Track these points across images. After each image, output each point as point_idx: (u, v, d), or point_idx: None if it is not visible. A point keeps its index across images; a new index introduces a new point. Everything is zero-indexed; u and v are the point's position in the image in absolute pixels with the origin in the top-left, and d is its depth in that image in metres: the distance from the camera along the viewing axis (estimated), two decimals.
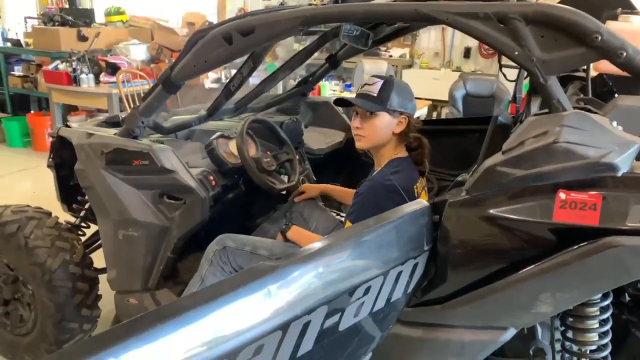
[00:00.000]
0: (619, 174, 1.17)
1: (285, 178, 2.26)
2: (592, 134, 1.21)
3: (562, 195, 1.18)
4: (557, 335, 1.47)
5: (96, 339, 0.86)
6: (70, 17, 6.15)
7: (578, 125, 1.22)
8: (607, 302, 1.37)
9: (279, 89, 4.26)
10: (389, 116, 1.69)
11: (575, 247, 1.18)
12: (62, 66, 5.20)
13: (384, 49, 7.27)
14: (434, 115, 6.71)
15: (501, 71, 2.48)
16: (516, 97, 2.74)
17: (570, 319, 1.40)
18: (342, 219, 2.19)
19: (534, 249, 1.24)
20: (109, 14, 6.76)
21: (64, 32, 5.79)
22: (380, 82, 1.69)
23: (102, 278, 2.23)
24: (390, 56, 7.23)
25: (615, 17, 1.87)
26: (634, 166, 1.19)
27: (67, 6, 7.71)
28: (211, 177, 1.99)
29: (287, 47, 5.36)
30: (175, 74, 1.82)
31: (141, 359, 0.83)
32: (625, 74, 1.24)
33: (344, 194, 2.20)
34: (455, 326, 1.40)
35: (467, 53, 6.97)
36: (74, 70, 5.06)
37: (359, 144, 1.76)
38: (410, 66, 7.26)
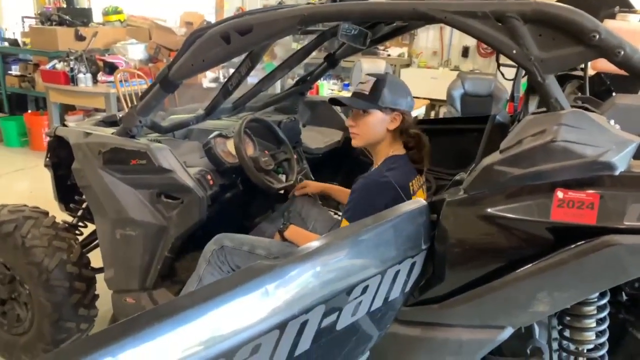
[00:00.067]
0: (617, 172, 1.17)
1: (283, 177, 2.26)
2: (589, 132, 1.21)
3: (559, 194, 1.18)
4: (555, 334, 1.47)
5: (93, 338, 0.86)
6: (67, 17, 6.13)
7: (576, 124, 1.22)
8: (605, 301, 1.37)
9: (277, 88, 4.26)
10: (382, 113, 1.70)
11: (573, 246, 1.18)
12: (59, 66, 5.18)
13: (382, 48, 7.27)
14: (432, 114, 6.71)
15: (499, 70, 2.48)
16: (514, 96, 2.74)
17: (568, 318, 1.40)
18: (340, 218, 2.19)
19: (531, 248, 1.24)
20: (107, 13, 6.75)
21: (61, 31, 5.78)
22: (372, 80, 1.71)
23: (100, 277, 2.23)
24: (389, 55, 7.23)
25: (613, 16, 1.88)
26: (632, 165, 1.19)
27: (64, 5, 7.68)
28: (209, 177, 1.99)
29: (285, 46, 5.35)
30: (173, 73, 1.81)
31: (138, 358, 0.83)
32: (623, 72, 1.24)
33: (343, 194, 2.20)
34: (453, 325, 1.40)
35: (465, 52, 6.97)
36: (72, 69, 5.05)
37: (354, 142, 1.79)
38: (408, 65, 7.27)
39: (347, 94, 5.10)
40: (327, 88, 5.40)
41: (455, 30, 1.39)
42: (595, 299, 1.36)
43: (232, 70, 2.22)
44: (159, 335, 0.85)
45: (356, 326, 1.24)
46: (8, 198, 2.73)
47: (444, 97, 5.23)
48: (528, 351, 1.51)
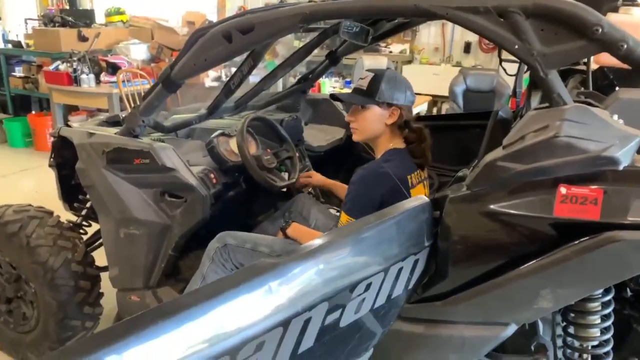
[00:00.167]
0: (620, 167, 1.16)
1: (286, 175, 2.26)
2: (592, 127, 1.21)
3: (562, 189, 1.18)
4: (559, 330, 1.47)
5: (98, 336, 0.86)
6: (70, 18, 6.15)
7: (579, 119, 1.21)
8: (609, 297, 1.37)
9: (279, 86, 4.26)
10: (380, 108, 1.72)
11: (577, 242, 1.17)
12: (62, 67, 5.20)
13: (384, 44, 7.26)
14: (434, 110, 6.70)
15: (501, 65, 2.47)
16: (516, 91, 2.73)
17: (572, 315, 1.39)
18: None
19: (534, 245, 1.23)
20: (109, 14, 6.77)
21: (64, 32, 5.80)
22: (371, 76, 1.73)
23: (104, 276, 2.24)
24: (390, 52, 7.22)
25: (616, 9, 1.86)
26: (635, 160, 1.19)
27: (67, 7, 7.72)
28: (212, 175, 1.99)
29: (287, 44, 5.34)
30: (175, 72, 1.82)
31: (143, 356, 0.83)
32: (626, 66, 1.23)
33: (345, 191, 2.21)
34: (456, 322, 1.39)
35: (467, 48, 6.96)
36: (75, 70, 5.06)
37: (354, 137, 1.83)
38: (410, 62, 7.25)
39: (348, 91, 5.09)
40: (329, 86, 5.39)
41: (457, 26, 1.38)
42: (600, 295, 1.35)
43: (234, 69, 2.22)
44: (164, 333, 0.86)
45: (359, 323, 1.24)
46: (13, 198, 2.74)
47: (446, 93, 5.23)
48: (532, 348, 1.50)
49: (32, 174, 4.98)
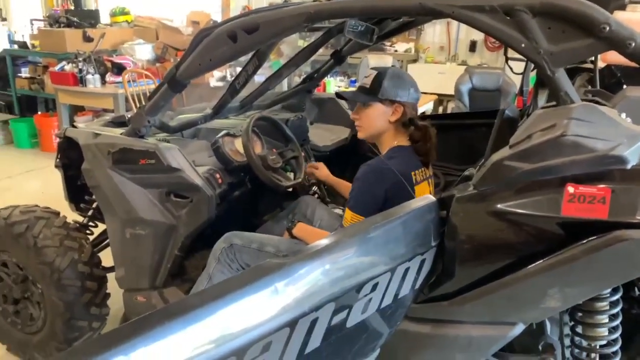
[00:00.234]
0: (628, 166, 1.15)
1: (291, 175, 2.26)
2: (600, 126, 1.20)
3: (570, 188, 1.17)
4: (566, 330, 1.46)
5: (105, 337, 0.86)
6: (75, 19, 6.17)
7: (586, 117, 1.20)
8: (617, 296, 1.36)
9: (284, 86, 4.26)
10: (382, 105, 1.73)
11: (584, 241, 1.17)
12: (68, 67, 5.22)
13: (388, 43, 7.24)
14: (440, 109, 6.68)
15: (507, 64, 2.46)
16: (523, 90, 2.72)
17: (580, 314, 1.38)
18: None
19: (542, 244, 1.23)
20: (114, 14, 6.79)
21: (69, 33, 5.82)
22: (374, 74, 1.74)
23: (111, 277, 2.24)
24: (396, 51, 7.21)
25: (623, 7, 1.85)
26: None
27: (72, 7, 7.75)
28: (217, 175, 2.00)
29: (292, 43, 5.34)
30: (180, 72, 1.82)
31: (150, 357, 0.83)
32: (633, 64, 1.22)
33: (349, 189, 2.21)
34: (463, 322, 1.39)
35: (472, 46, 6.93)
36: (80, 71, 5.08)
37: (359, 134, 1.85)
38: (415, 60, 7.23)
39: (354, 90, 5.08)
40: (334, 85, 5.39)
41: (463, 24, 1.38)
42: (608, 295, 1.34)
43: (239, 69, 2.22)
44: (170, 334, 0.86)
45: (366, 323, 1.23)
46: (19, 199, 2.75)
47: (451, 92, 5.21)
48: (540, 347, 1.50)
49: (38, 174, 5.00)
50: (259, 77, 2.73)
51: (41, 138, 5.75)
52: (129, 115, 2.27)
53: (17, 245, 2.15)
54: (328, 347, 1.14)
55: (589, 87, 1.93)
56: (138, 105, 4.59)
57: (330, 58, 2.66)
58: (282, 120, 2.37)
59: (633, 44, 1.17)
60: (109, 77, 5.23)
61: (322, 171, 2.32)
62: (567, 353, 1.47)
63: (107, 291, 2.29)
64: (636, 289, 1.50)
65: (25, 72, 6.32)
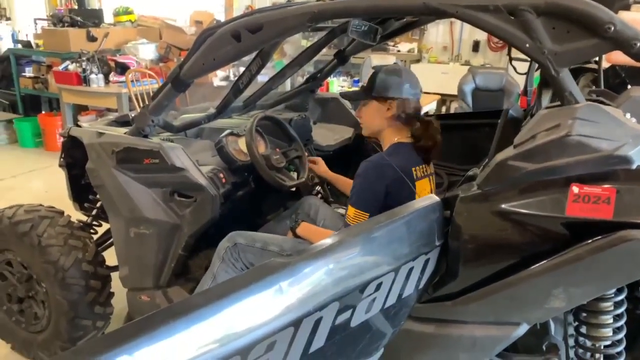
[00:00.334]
0: (633, 166, 1.15)
1: (295, 175, 2.26)
2: (605, 126, 1.20)
3: (575, 189, 1.17)
4: (571, 330, 1.46)
5: (109, 336, 0.87)
6: (79, 18, 6.18)
7: (591, 117, 1.20)
8: (622, 297, 1.35)
9: (287, 86, 4.26)
10: (377, 103, 1.77)
11: (589, 241, 1.16)
12: (72, 67, 5.24)
13: (392, 43, 7.24)
14: (443, 109, 6.67)
15: (511, 64, 2.46)
16: (527, 90, 2.71)
17: (584, 314, 1.38)
18: None
19: (546, 244, 1.22)
20: (118, 14, 6.80)
21: (73, 32, 5.83)
22: (371, 72, 1.79)
23: (115, 276, 2.25)
24: (399, 51, 7.20)
25: (628, 7, 1.85)
26: None
27: (76, 7, 7.78)
28: (221, 175, 2.00)
29: (295, 43, 5.34)
30: (184, 72, 1.82)
31: (154, 357, 0.83)
32: (638, 64, 1.22)
33: (349, 185, 2.21)
34: (467, 322, 1.39)
35: (475, 46, 6.92)
36: (84, 70, 5.09)
37: (362, 131, 1.91)
38: (418, 61, 7.23)
39: (355, 89, 5.08)
40: (337, 85, 5.39)
41: (466, 24, 1.38)
42: (612, 295, 1.34)
43: (242, 69, 2.22)
44: (175, 334, 0.86)
45: (370, 323, 1.23)
46: (24, 198, 2.76)
47: (454, 92, 5.20)
48: (544, 347, 1.49)
49: (42, 174, 5.02)
50: (262, 77, 2.74)
51: (45, 137, 5.77)
52: (133, 115, 2.28)
53: (21, 244, 2.16)
54: (332, 346, 1.14)
55: (593, 87, 1.93)
56: (141, 104, 4.60)
57: (333, 58, 2.66)
58: (286, 120, 2.37)
59: (638, 44, 1.16)
60: (112, 77, 5.24)
61: (320, 167, 2.33)
62: (571, 353, 1.47)
63: (111, 290, 2.30)
64: None
65: (29, 72, 6.34)
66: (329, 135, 2.73)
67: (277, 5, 1.70)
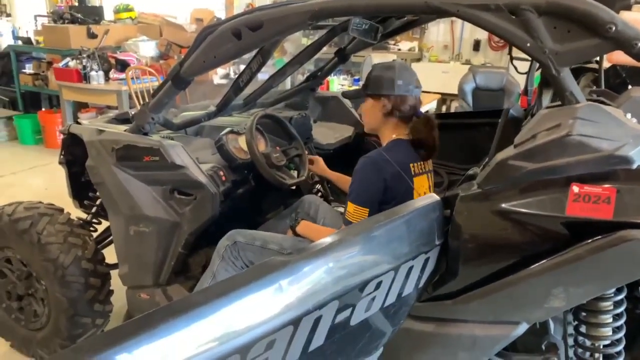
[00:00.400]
0: (634, 166, 1.15)
1: (295, 173, 2.26)
2: (605, 126, 1.20)
3: (575, 188, 1.17)
4: (570, 329, 1.46)
5: (109, 334, 0.86)
6: (79, 15, 6.18)
7: (591, 117, 1.20)
8: (621, 296, 1.35)
9: (288, 84, 4.25)
10: (371, 100, 1.79)
11: (589, 241, 1.16)
12: (72, 63, 5.24)
13: (392, 42, 7.23)
14: (444, 108, 6.67)
15: (512, 63, 2.46)
16: (527, 89, 2.71)
17: (584, 314, 1.38)
18: None
19: (546, 244, 1.22)
20: (118, 11, 6.79)
21: (73, 29, 5.83)
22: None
23: (114, 273, 2.25)
24: (399, 50, 7.20)
25: (629, 7, 1.84)
26: None
27: (76, 4, 7.74)
28: (221, 173, 2.00)
29: (296, 41, 5.34)
30: (184, 70, 1.82)
31: (153, 355, 0.83)
32: (639, 64, 1.22)
33: (348, 184, 2.21)
34: (467, 321, 1.39)
35: (476, 46, 6.92)
36: (84, 67, 5.09)
37: (365, 128, 1.93)
38: (419, 59, 7.23)
39: (357, 88, 5.08)
40: (337, 83, 5.38)
41: (467, 23, 1.37)
42: (612, 295, 1.34)
43: (242, 67, 2.22)
44: (174, 332, 0.86)
45: (370, 322, 1.23)
46: (23, 195, 2.77)
47: (455, 91, 5.19)
48: (543, 347, 1.49)
49: (42, 171, 5.02)
50: (263, 75, 2.74)
51: (45, 134, 5.76)
52: (133, 112, 2.28)
53: (21, 241, 2.16)
54: (332, 345, 1.14)
55: (594, 87, 1.93)
56: (142, 102, 4.60)
57: (334, 56, 2.66)
58: (286, 118, 2.37)
59: (639, 44, 1.16)
60: (112, 74, 5.24)
61: (319, 165, 2.32)
62: (571, 353, 1.47)
63: (111, 288, 2.30)
64: None
65: (29, 68, 6.34)
66: (329, 133, 2.73)
67: (278, 3, 1.70)
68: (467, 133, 2.63)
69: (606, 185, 1.15)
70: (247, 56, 2.01)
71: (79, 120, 3.93)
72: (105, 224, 2.40)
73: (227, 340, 0.92)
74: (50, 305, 2.21)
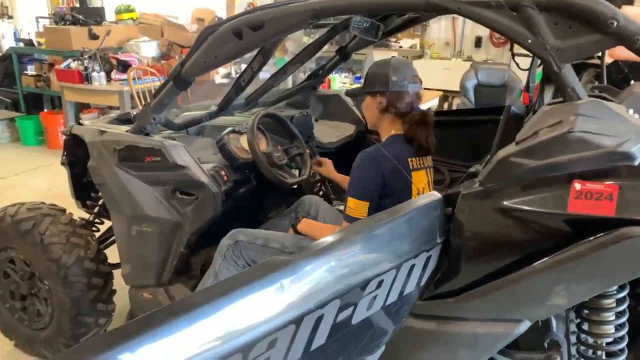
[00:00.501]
0: (636, 163, 1.14)
1: (297, 172, 2.26)
2: (607, 122, 1.19)
3: (577, 185, 1.16)
4: (573, 327, 1.46)
5: (111, 334, 0.87)
6: (81, 16, 6.19)
7: (593, 113, 1.20)
8: (624, 293, 1.35)
9: (289, 82, 4.25)
10: (370, 97, 1.82)
11: (591, 238, 1.16)
12: (74, 65, 5.24)
13: (394, 40, 7.22)
14: (445, 105, 6.66)
15: (514, 60, 2.45)
16: (529, 86, 2.70)
17: (586, 311, 1.38)
18: None
19: (548, 241, 1.22)
20: (119, 11, 6.80)
21: (75, 31, 5.84)
22: None
23: (117, 273, 2.25)
24: (401, 47, 7.19)
25: (631, 2, 1.84)
26: None
27: (77, 5, 7.76)
28: (223, 173, 2.00)
29: (297, 40, 5.33)
30: (185, 70, 1.82)
31: (156, 354, 0.83)
32: None
33: None
34: (469, 319, 1.39)
35: (478, 42, 6.90)
36: (86, 68, 5.10)
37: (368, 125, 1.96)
38: (420, 57, 7.21)
39: (358, 86, 5.07)
40: (339, 82, 5.37)
41: (468, 20, 1.37)
42: (614, 292, 1.33)
43: (244, 66, 2.22)
44: (176, 331, 0.86)
45: (372, 320, 1.23)
46: (26, 196, 2.77)
47: (457, 88, 5.19)
48: (545, 344, 1.49)
49: (44, 172, 5.03)
50: (264, 74, 2.74)
51: (47, 135, 5.78)
52: (135, 113, 2.28)
53: (24, 242, 2.16)
54: (333, 344, 1.14)
55: (596, 83, 1.92)
56: (143, 102, 4.60)
57: (335, 54, 2.65)
58: (287, 117, 2.37)
59: None
60: (114, 75, 5.25)
61: (328, 168, 2.33)
62: (573, 350, 1.46)
63: (113, 288, 2.31)
64: None
65: (31, 70, 6.35)
66: (330, 132, 2.73)
67: (279, 3, 1.69)
68: (469, 130, 2.62)
69: (608, 182, 1.15)
70: (249, 55, 2.01)
71: (80, 121, 3.94)
72: (107, 224, 2.41)
73: (229, 340, 0.92)
74: (53, 305, 2.22)
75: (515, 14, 1.25)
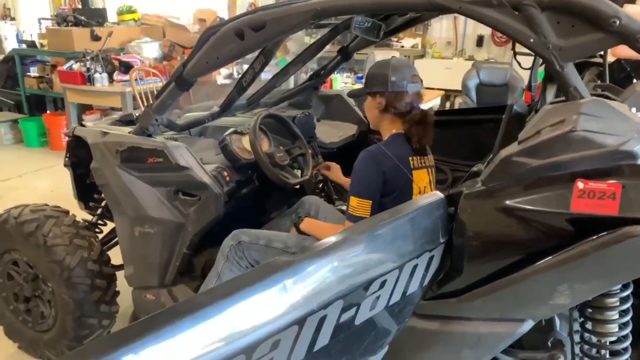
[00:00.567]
0: (639, 161, 1.14)
1: (299, 172, 2.26)
2: (610, 121, 1.19)
3: (580, 184, 1.16)
4: (576, 326, 1.45)
5: (115, 336, 0.87)
6: (83, 17, 6.20)
7: (596, 112, 1.19)
8: (627, 292, 1.35)
9: (291, 83, 4.25)
10: (370, 97, 1.83)
11: (594, 237, 1.16)
12: (76, 66, 5.25)
13: (395, 39, 7.21)
14: (447, 105, 6.65)
15: (516, 59, 2.44)
16: (531, 85, 2.70)
17: (590, 310, 1.38)
18: None
19: (551, 240, 1.22)
20: (121, 12, 6.81)
21: (77, 32, 5.85)
22: None
23: (120, 275, 2.26)
24: (402, 47, 7.18)
25: (633, 1, 1.83)
26: None
27: (79, 6, 7.79)
28: (225, 173, 2.00)
29: (298, 40, 5.33)
30: (187, 71, 1.82)
31: (159, 356, 0.84)
32: None
33: None
34: (472, 319, 1.39)
35: (479, 41, 6.89)
36: (88, 69, 5.11)
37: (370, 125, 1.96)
38: (422, 56, 7.20)
39: (360, 86, 5.07)
40: (340, 82, 5.37)
41: (469, 19, 1.37)
42: (618, 291, 1.33)
43: (245, 67, 2.22)
44: (180, 333, 0.86)
45: (375, 321, 1.23)
46: (29, 197, 2.78)
47: (458, 87, 5.18)
48: (549, 344, 1.49)
49: (47, 173, 5.04)
50: (266, 75, 2.74)
51: (50, 137, 5.79)
52: (137, 114, 2.28)
53: (27, 243, 2.17)
54: (337, 344, 1.14)
55: (599, 82, 1.91)
56: (145, 103, 4.61)
57: (337, 54, 2.65)
58: (289, 118, 2.37)
59: None
60: (116, 76, 5.25)
61: (334, 172, 2.33)
62: (577, 349, 1.46)
63: (117, 289, 2.31)
64: None
65: (33, 72, 6.36)
66: (332, 132, 2.73)
67: (280, 3, 1.69)
68: (471, 129, 2.62)
69: (611, 181, 1.15)
70: (250, 56, 2.01)
71: (83, 122, 3.94)
72: (110, 225, 2.41)
73: (233, 341, 0.93)
74: (57, 307, 2.22)
75: (517, 13, 1.24)
